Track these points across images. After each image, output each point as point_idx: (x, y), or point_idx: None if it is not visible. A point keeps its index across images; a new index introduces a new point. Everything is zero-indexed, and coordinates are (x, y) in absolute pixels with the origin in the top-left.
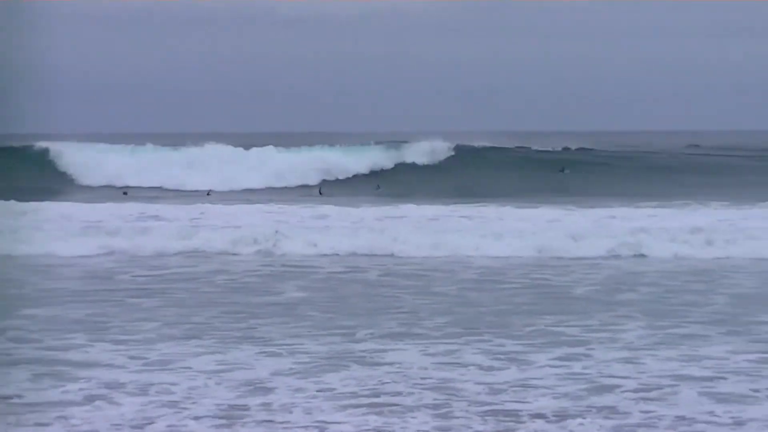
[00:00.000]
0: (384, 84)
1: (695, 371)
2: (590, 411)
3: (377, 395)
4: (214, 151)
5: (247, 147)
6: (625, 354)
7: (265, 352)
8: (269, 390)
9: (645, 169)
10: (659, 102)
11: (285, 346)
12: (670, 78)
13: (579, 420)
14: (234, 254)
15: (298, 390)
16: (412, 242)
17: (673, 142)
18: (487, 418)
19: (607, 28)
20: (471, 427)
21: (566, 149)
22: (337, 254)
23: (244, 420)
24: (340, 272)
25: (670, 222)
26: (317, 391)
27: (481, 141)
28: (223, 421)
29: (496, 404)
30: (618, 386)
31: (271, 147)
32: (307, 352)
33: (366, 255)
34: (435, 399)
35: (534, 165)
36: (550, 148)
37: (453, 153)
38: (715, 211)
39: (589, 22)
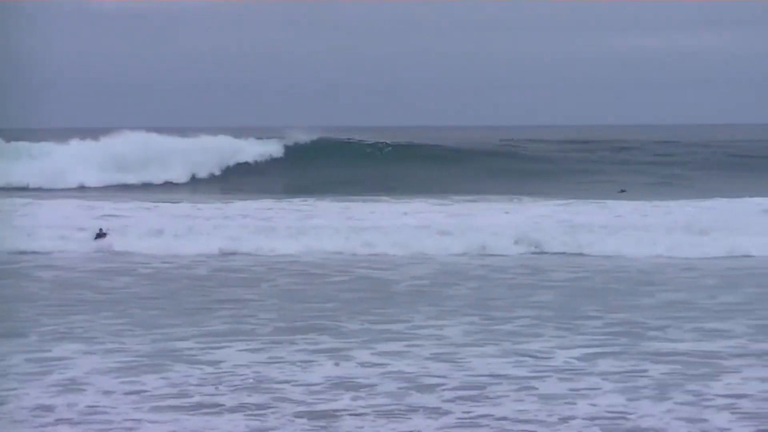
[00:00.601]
0: (209, 78)
1: (519, 370)
2: (413, 410)
3: (192, 396)
4: (29, 145)
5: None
6: (449, 351)
7: (84, 351)
8: (81, 390)
9: (465, 163)
10: (475, 99)
11: (106, 344)
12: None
13: (401, 420)
14: (59, 250)
15: (110, 391)
16: (239, 238)
17: (487, 136)
18: (304, 419)
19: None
20: (287, 428)
21: (391, 143)
22: (163, 250)
23: (45, 422)
24: (166, 268)
25: (492, 216)
26: (130, 391)
27: (310, 135)
28: (28, 423)
29: (315, 404)
30: (440, 385)
31: (93, 140)
32: (127, 351)
33: (192, 252)
34: (252, 400)
35: (356, 158)
36: (374, 141)
37: (283, 149)
38: (535, 206)
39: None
